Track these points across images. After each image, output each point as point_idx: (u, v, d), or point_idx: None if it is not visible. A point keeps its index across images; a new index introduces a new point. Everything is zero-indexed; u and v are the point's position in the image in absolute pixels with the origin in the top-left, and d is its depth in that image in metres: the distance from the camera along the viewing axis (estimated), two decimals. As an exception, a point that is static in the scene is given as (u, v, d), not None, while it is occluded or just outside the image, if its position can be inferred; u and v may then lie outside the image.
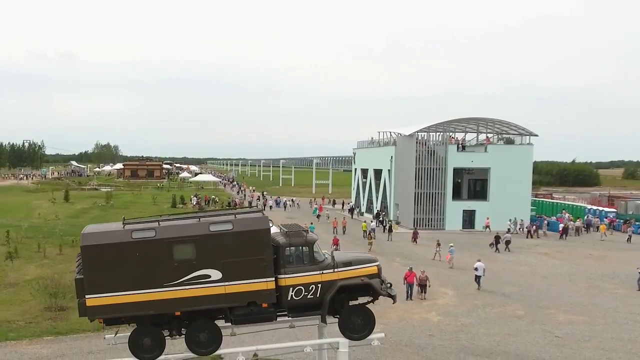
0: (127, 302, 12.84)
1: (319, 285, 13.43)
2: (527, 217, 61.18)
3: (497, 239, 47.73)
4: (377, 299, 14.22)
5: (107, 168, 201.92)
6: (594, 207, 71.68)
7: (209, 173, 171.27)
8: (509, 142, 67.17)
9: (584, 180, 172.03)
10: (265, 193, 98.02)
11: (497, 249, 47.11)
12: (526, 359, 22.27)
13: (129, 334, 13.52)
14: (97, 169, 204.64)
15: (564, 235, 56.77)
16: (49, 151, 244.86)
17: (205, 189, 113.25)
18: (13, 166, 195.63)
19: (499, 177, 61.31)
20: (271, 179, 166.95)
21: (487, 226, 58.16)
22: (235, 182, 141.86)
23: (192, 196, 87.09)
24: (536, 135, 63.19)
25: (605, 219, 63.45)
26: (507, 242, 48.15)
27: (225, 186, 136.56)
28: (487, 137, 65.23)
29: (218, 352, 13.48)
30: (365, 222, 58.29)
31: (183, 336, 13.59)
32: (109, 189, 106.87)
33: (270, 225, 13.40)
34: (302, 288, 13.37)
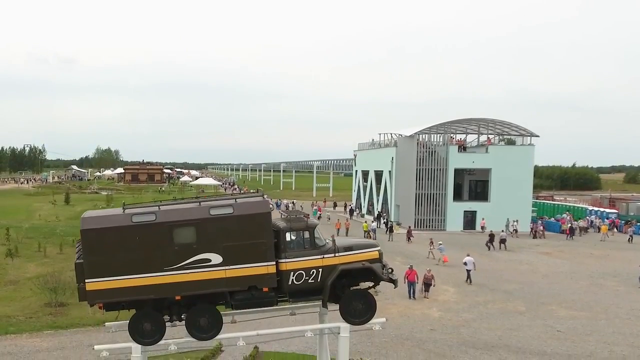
0: (127, 287, 12.75)
1: (320, 269, 13.35)
2: (528, 217, 61.14)
3: (492, 237, 48.41)
4: (379, 284, 14.14)
5: (108, 172, 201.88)
6: (596, 209, 71.63)
7: (209, 177, 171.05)
8: (510, 142, 67.10)
9: (585, 183, 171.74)
10: (265, 196, 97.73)
11: (491, 247, 47.75)
12: (528, 352, 22.19)
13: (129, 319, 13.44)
14: (98, 174, 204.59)
15: (571, 236, 56.94)
16: (49, 156, 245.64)
17: (206, 193, 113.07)
18: (13, 170, 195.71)
19: (500, 178, 61.24)
20: (272, 183, 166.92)
21: (482, 227, 58.18)
22: (236, 186, 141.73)
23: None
24: (537, 136, 63.21)
25: (606, 220, 63.42)
26: (503, 241, 48.68)
27: (226, 189, 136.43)
28: (488, 137, 65.16)
29: (218, 337, 13.37)
30: (366, 222, 58.25)
31: (183, 322, 13.51)
32: (110, 192, 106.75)
33: (272, 208, 13.34)
34: (303, 272, 13.28)
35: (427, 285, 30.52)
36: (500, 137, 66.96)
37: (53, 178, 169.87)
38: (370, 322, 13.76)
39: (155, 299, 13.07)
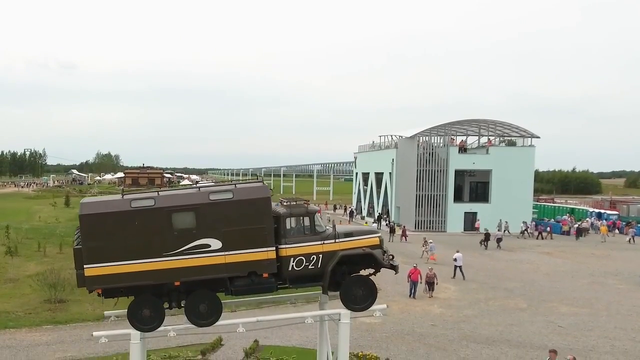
0: (126, 272, 12.65)
1: (320, 255, 13.26)
2: (528, 218, 61.04)
3: (487, 236, 49.10)
4: (380, 270, 14.05)
5: (108, 177, 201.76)
6: (596, 210, 71.67)
7: (210, 181, 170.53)
8: (511, 144, 67.03)
9: (585, 188, 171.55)
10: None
11: (486, 245, 48.59)
12: (529, 346, 22.07)
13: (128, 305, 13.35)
14: (98, 178, 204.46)
15: (579, 236, 57.24)
16: (50, 161, 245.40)
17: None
18: (14, 174, 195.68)
19: (501, 179, 61.19)
20: (272, 188, 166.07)
21: (477, 228, 58.11)
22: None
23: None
24: (538, 137, 63.14)
25: (604, 221, 63.43)
26: (499, 240, 49.17)
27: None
28: (489, 139, 65.11)
29: (218, 323, 13.26)
30: (366, 223, 58.18)
31: (182, 309, 13.41)
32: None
33: (271, 194, 13.27)
34: (303, 258, 13.20)
35: (430, 284, 30.34)
36: (501, 139, 66.94)
37: (53, 182, 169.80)
38: (371, 308, 13.66)
39: (155, 285, 12.98)
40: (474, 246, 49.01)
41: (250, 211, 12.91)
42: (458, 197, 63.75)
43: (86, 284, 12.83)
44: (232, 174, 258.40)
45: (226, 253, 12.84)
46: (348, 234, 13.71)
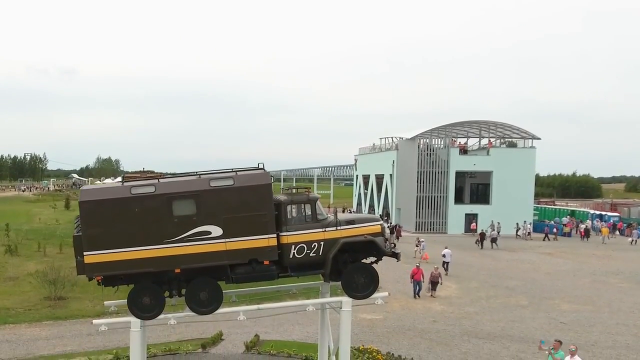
0: (126, 259, 12.55)
1: (322, 243, 13.15)
2: (529, 219, 60.92)
3: (482, 236, 50.00)
4: (381, 259, 13.93)
5: (109, 181, 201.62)
6: (597, 212, 71.64)
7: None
8: (511, 145, 66.96)
9: (586, 192, 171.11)
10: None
11: (481, 245, 49.18)
12: (531, 341, 21.91)
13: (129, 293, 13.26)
14: (99, 182, 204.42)
15: (587, 237, 57.29)
16: (50, 166, 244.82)
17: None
18: (14, 178, 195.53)
19: (501, 181, 61.12)
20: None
21: (473, 229, 58.08)
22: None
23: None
24: (539, 139, 63.07)
25: (604, 223, 63.33)
26: (494, 240, 49.52)
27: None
28: (489, 140, 65.06)
29: (218, 310, 13.16)
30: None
31: (183, 297, 13.31)
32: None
33: (272, 180, 13.19)
34: (305, 246, 13.09)
35: (434, 283, 30.18)
36: (502, 140, 66.89)
37: (54, 186, 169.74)
38: (372, 296, 13.56)
39: (155, 273, 12.88)
40: (473, 247, 49.36)
41: (251, 198, 12.82)
42: (459, 199, 63.67)
43: (86, 271, 12.72)
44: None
45: (227, 240, 12.73)
46: (350, 222, 13.61)
